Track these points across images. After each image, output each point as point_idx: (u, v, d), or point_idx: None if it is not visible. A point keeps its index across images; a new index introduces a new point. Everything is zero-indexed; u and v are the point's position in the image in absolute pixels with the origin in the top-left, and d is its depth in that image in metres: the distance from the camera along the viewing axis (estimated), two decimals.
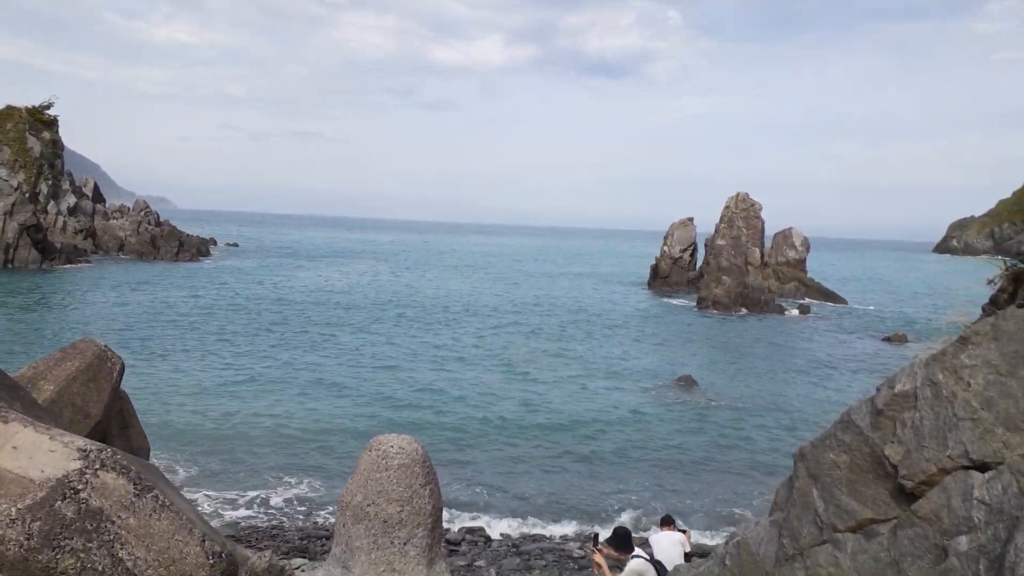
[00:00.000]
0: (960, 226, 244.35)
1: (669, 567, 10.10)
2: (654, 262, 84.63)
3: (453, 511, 19.43)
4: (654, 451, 24.93)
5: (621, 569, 9.73)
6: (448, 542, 17.65)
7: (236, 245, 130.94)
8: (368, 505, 8.09)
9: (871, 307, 74.57)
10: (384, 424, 26.07)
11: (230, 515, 18.87)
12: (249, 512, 19.17)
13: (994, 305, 5.14)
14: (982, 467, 4.10)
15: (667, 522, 11.97)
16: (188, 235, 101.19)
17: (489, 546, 17.89)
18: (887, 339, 52.23)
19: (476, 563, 16.65)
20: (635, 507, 20.28)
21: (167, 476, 19.76)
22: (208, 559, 3.95)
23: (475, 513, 19.74)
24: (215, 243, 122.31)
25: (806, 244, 79.32)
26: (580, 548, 17.61)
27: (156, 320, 46.10)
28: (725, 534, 18.72)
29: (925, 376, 4.37)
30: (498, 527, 19.04)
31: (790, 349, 46.43)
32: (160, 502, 4.08)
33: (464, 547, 17.73)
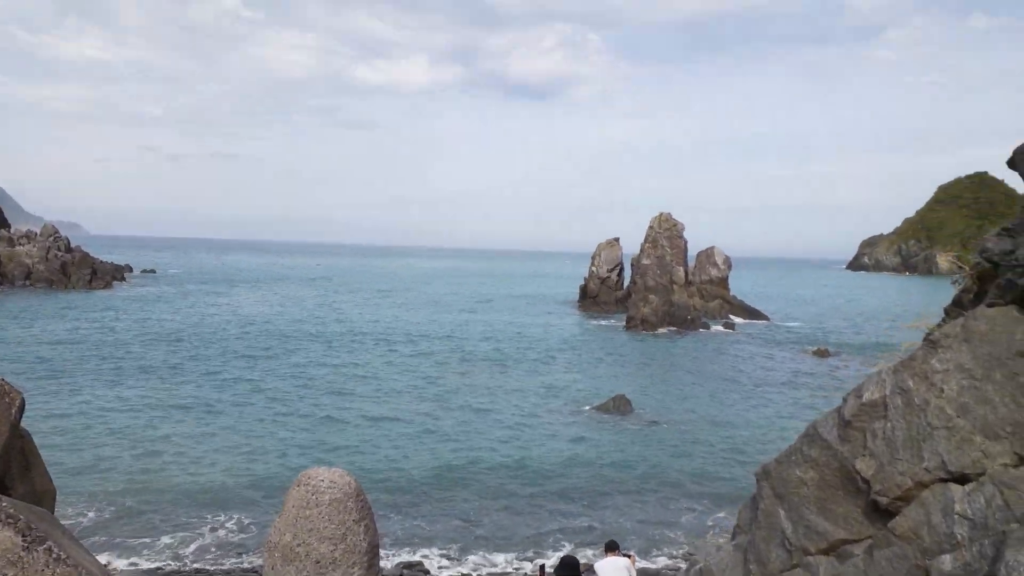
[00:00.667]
0: (870, 243, 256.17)
1: None
2: (583, 283, 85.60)
3: (390, 546, 18.65)
4: (593, 475, 24.64)
5: None
6: None
7: (153, 272, 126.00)
8: (298, 545, 7.54)
9: (792, 323, 76.96)
10: (314, 458, 25.02)
11: (149, 562, 17.62)
12: (171, 557, 17.94)
13: (958, 307, 5.01)
14: (961, 479, 3.84)
15: (612, 548, 11.77)
16: (101, 262, 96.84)
17: None
18: (809, 353, 53.81)
19: None
20: (577, 533, 19.88)
21: (77, 520, 18.36)
22: None
23: (413, 547, 18.96)
24: (131, 270, 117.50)
25: (728, 263, 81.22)
26: None
27: (67, 353, 43.54)
28: (666, 555, 18.54)
29: (894, 383, 4.12)
30: (438, 561, 18.31)
31: (718, 366, 47.17)
32: (54, 555, 3.49)
33: None
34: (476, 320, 72.22)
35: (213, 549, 18.38)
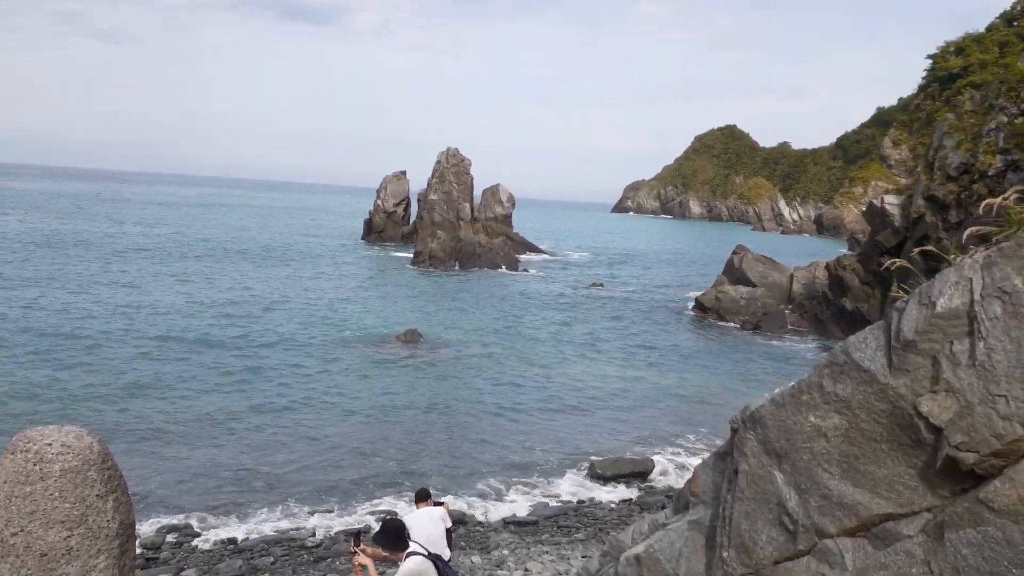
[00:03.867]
0: (633, 188, 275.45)
1: (433, 550, 8.46)
2: (368, 217, 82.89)
3: (148, 508, 15.68)
4: (387, 411, 22.84)
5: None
6: (145, 548, 14.12)
7: None
8: (15, 534, 5.27)
9: (570, 256, 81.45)
10: (38, 415, 20.15)
11: None
12: None
13: None
14: None
15: (423, 497, 10.21)
16: None
17: (198, 548, 14.61)
18: (588, 287, 56.50)
19: (184, 572, 13.36)
20: (372, 476, 18.10)
21: None
22: None
23: (178, 507, 16.07)
24: None
25: (512, 200, 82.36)
26: (311, 536, 15.10)
27: None
28: (476, 497, 17.41)
29: (989, 283, 2.70)
30: (209, 523, 15.61)
31: (507, 299, 47.19)
32: None
33: (166, 552, 14.27)
34: (250, 253, 66.68)
35: None
